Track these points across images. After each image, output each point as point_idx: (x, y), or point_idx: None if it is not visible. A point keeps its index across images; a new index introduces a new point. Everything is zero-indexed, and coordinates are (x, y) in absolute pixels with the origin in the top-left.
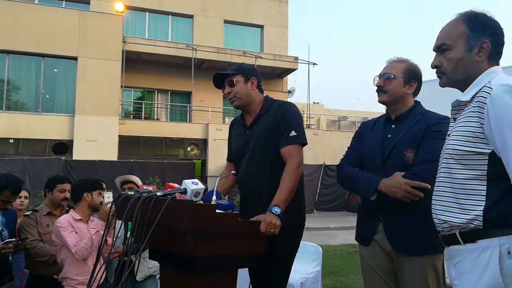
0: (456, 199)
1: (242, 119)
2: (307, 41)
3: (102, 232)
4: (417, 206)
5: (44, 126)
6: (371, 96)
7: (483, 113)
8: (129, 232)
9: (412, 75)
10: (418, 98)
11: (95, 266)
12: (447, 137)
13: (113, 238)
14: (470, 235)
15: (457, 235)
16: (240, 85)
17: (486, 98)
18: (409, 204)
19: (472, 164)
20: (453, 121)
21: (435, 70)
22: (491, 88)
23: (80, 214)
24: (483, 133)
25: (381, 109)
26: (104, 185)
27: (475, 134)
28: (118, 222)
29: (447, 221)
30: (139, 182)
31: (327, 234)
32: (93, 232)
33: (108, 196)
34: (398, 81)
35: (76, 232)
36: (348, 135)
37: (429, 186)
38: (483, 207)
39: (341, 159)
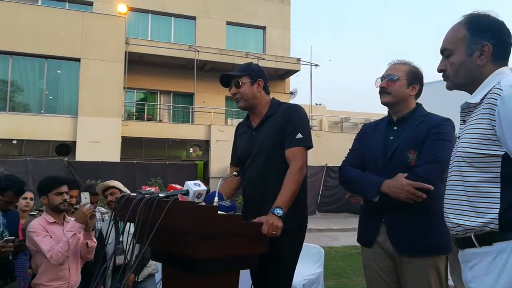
0: (470, 202)
1: (247, 120)
2: (309, 43)
3: (80, 234)
4: (420, 208)
5: (47, 127)
6: (374, 97)
7: (494, 115)
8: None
9: (415, 77)
10: (420, 99)
11: (98, 270)
12: (457, 140)
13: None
14: (486, 238)
15: (473, 238)
16: (246, 86)
17: (496, 99)
18: (412, 206)
19: (485, 166)
20: (462, 123)
21: (441, 74)
22: (501, 90)
23: (53, 217)
24: (495, 134)
25: (384, 111)
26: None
27: (487, 136)
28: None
29: (461, 225)
30: (120, 186)
31: (329, 236)
32: (69, 235)
33: (85, 197)
34: (401, 82)
35: (51, 236)
36: (350, 136)
37: (432, 187)
38: (498, 209)
39: (343, 161)
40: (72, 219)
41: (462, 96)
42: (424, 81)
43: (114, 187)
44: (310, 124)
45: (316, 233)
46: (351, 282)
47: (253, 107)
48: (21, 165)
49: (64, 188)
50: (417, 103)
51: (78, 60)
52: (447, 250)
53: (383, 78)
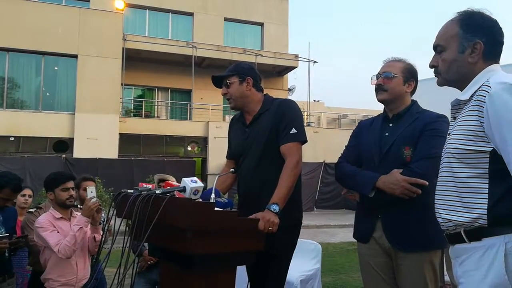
0: (460, 197)
1: (241, 117)
2: (307, 39)
3: (86, 228)
4: (415, 203)
5: (44, 124)
6: (372, 94)
7: (482, 112)
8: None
9: (411, 74)
10: (414, 96)
11: (95, 262)
12: (447, 136)
13: (104, 235)
14: (475, 233)
15: (462, 233)
16: (235, 86)
17: (485, 96)
18: (407, 201)
19: (474, 162)
20: (453, 120)
21: (433, 69)
22: (490, 87)
23: (60, 212)
24: (483, 131)
25: (382, 108)
26: (72, 179)
27: (476, 132)
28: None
29: (452, 220)
30: (175, 182)
31: (327, 232)
32: (76, 229)
33: (91, 191)
34: (398, 79)
35: (58, 231)
36: (348, 133)
37: (427, 183)
38: (487, 205)
39: (339, 157)
40: (79, 214)
41: (456, 93)
42: (419, 77)
43: (169, 181)
44: (308, 121)
45: (314, 229)
46: (348, 278)
47: (244, 106)
48: (18, 162)
49: (70, 184)
50: (412, 100)
51: (75, 56)
52: (441, 244)
53: (379, 75)
